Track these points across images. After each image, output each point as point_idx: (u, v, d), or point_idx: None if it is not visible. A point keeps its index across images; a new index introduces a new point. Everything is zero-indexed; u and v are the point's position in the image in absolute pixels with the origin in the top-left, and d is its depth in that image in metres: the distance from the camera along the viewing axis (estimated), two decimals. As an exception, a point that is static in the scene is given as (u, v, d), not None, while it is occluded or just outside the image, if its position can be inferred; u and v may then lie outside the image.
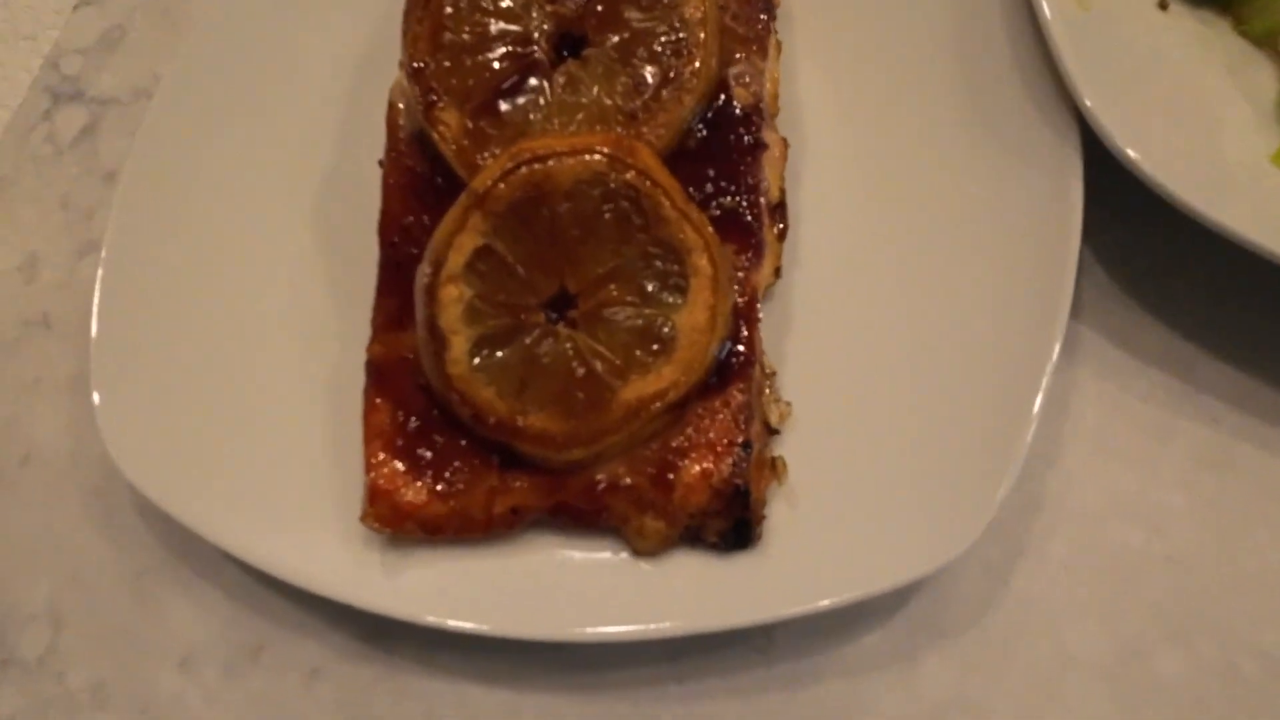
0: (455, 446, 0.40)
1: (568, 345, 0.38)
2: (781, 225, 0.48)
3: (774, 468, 0.41)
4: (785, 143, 0.50)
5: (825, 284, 0.48)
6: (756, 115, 0.43)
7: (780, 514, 0.41)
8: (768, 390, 0.44)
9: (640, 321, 0.38)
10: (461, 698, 0.44)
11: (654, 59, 0.40)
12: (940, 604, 0.43)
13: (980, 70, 0.51)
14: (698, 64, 0.40)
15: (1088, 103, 0.45)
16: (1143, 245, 0.49)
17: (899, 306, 0.45)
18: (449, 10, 0.42)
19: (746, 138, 0.43)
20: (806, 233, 0.50)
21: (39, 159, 0.61)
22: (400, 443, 0.40)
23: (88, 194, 0.59)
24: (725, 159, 0.42)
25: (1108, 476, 0.45)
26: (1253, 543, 0.43)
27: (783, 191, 0.49)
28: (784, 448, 0.43)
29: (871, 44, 0.53)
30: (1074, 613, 0.42)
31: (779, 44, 0.53)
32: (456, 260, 0.37)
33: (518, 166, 0.37)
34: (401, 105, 0.44)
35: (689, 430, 0.39)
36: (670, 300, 0.38)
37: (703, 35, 0.40)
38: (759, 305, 0.44)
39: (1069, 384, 0.47)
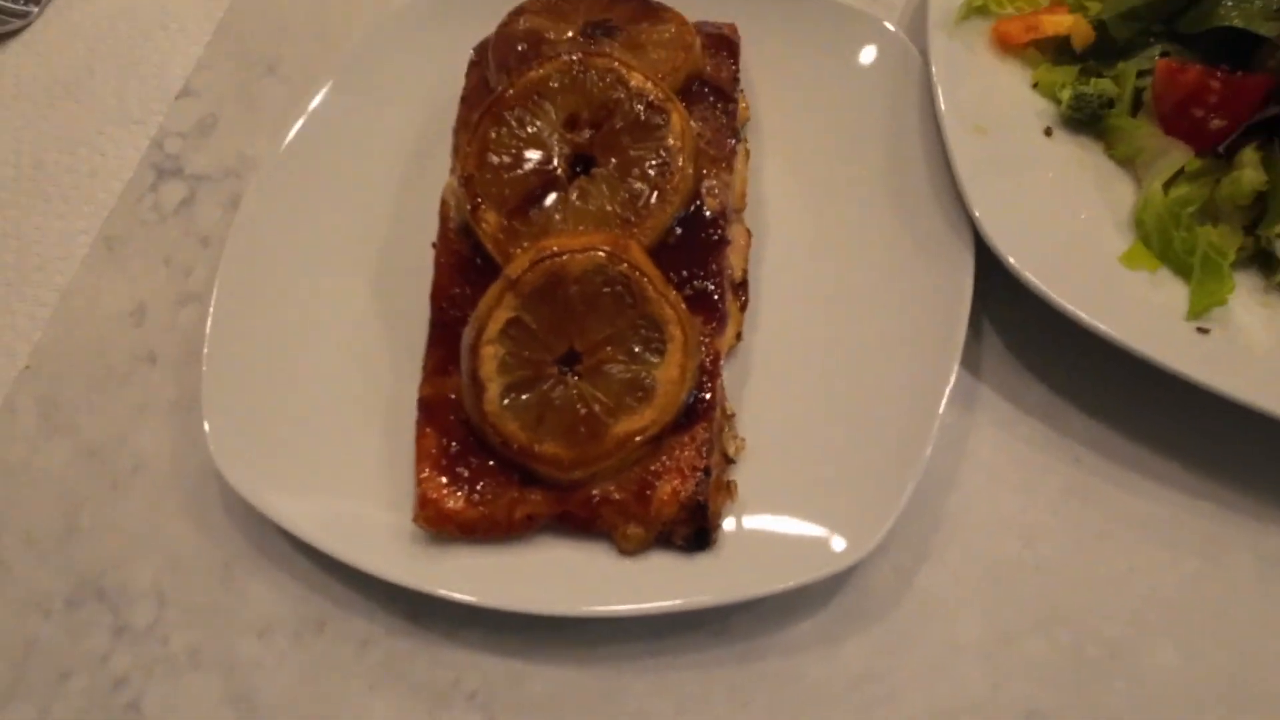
0: (485, 467, 0.52)
1: (574, 391, 0.51)
2: (743, 299, 0.61)
3: (729, 489, 0.53)
4: (749, 233, 0.64)
5: (777, 345, 0.60)
6: (722, 218, 0.57)
7: (733, 524, 0.53)
8: (727, 428, 0.56)
9: (629, 375, 0.51)
10: (481, 666, 0.55)
11: (645, 178, 0.54)
12: (860, 598, 0.55)
13: (902, 179, 0.64)
14: (677, 181, 0.54)
15: (976, 214, 0.58)
16: (1030, 321, 0.61)
17: (831, 363, 0.58)
18: (492, 136, 0.56)
19: (714, 235, 0.56)
20: (765, 304, 0.63)
21: (146, 224, 0.75)
22: (444, 463, 0.53)
23: (187, 254, 0.72)
24: (696, 252, 0.55)
25: (995, 501, 0.57)
26: (1102, 555, 0.55)
27: (745, 272, 0.62)
28: (738, 473, 0.56)
29: (821, 155, 0.67)
30: (963, 606, 0.54)
31: (748, 152, 0.67)
32: (494, 328, 0.50)
33: (541, 259, 0.50)
34: (451, 202, 0.58)
35: (664, 458, 0.52)
36: (651, 359, 0.51)
37: (681, 161, 0.54)
38: (722, 363, 0.57)
39: (969, 429, 0.60)
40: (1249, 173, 0.56)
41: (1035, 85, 0.66)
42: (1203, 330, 0.55)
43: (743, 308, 0.60)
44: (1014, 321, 0.62)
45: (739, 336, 0.60)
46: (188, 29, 0.86)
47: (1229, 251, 0.57)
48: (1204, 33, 0.61)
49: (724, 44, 0.65)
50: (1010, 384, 0.61)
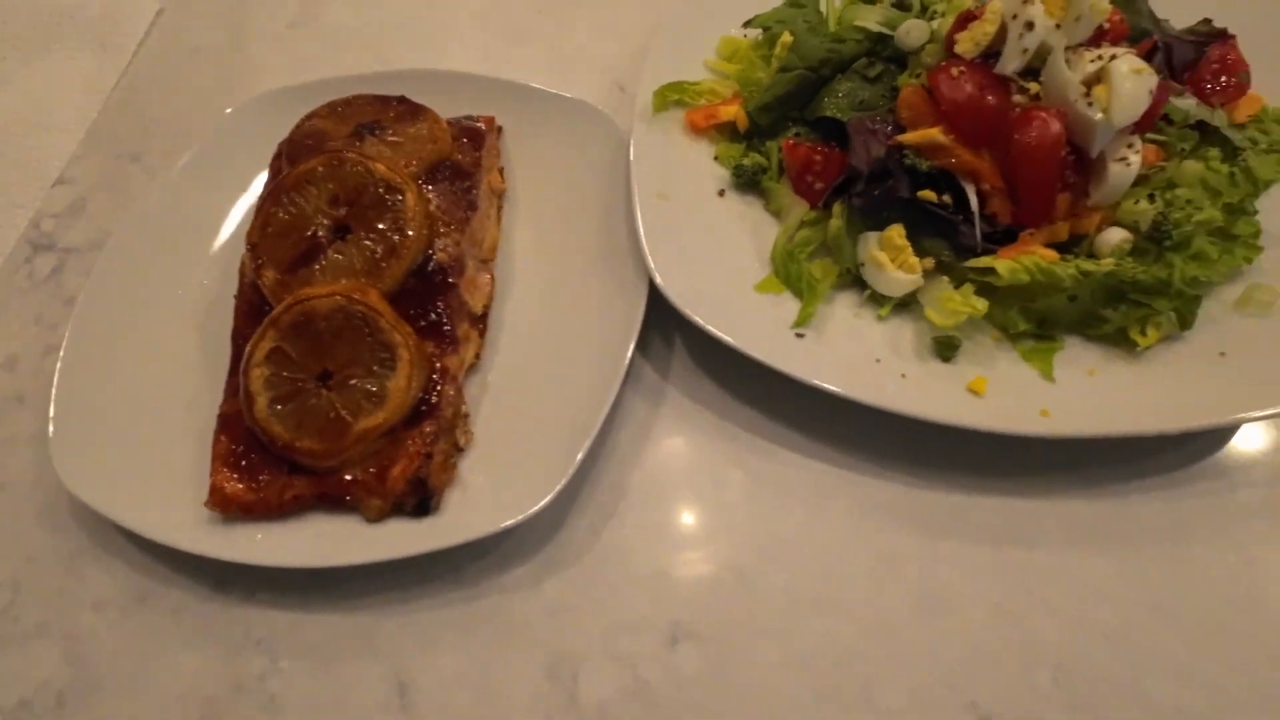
0: (263, 461, 0.69)
1: (326, 400, 0.68)
2: (482, 328, 0.79)
3: (451, 469, 0.71)
4: (493, 279, 0.83)
5: (511, 364, 0.79)
6: (452, 268, 0.75)
7: (455, 495, 0.71)
8: (461, 425, 0.74)
9: (368, 386, 0.68)
10: (268, 619, 0.70)
11: (384, 241, 0.72)
12: (560, 550, 0.72)
13: (608, 236, 0.83)
14: (409, 243, 0.72)
15: (650, 261, 0.76)
16: (707, 336, 0.80)
17: (546, 375, 0.76)
18: (273, 211, 0.74)
19: (444, 281, 0.74)
20: (506, 332, 0.81)
21: (21, 290, 0.91)
22: (231, 460, 0.69)
23: (53, 313, 0.89)
24: (430, 293, 0.74)
25: (670, 473, 0.75)
26: (744, 508, 0.73)
27: (487, 308, 0.81)
28: (469, 457, 0.73)
29: (556, 219, 0.86)
30: (635, 552, 0.72)
31: (500, 217, 0.86)
32: (259, 355, 0.68)
33: (295, 303, 0.68)
34: (247, 264, 0.76)
35: (397, 447, 0.69)
36: (385, 374, 0.68)
37: (412, 229, 0.72)
38: (461, 378, 0.75)
39: (654, 420, 0.78)
40: (835, 222, 0.77)
41: (716, 158, 0.87)
42: (800, 335, 0.74)
43: (482, 334, 0.79)
44: (696, 337, 0.81)
45: (478, 357, 0.78)
46: (66, 127, 1.04)
47: (826, 279, 0.77)
48: (818, 119, 0.83)
49: (473, 134, 0.85)
50: (689, 384, 0.79)
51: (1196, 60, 0.83)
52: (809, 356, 0.73)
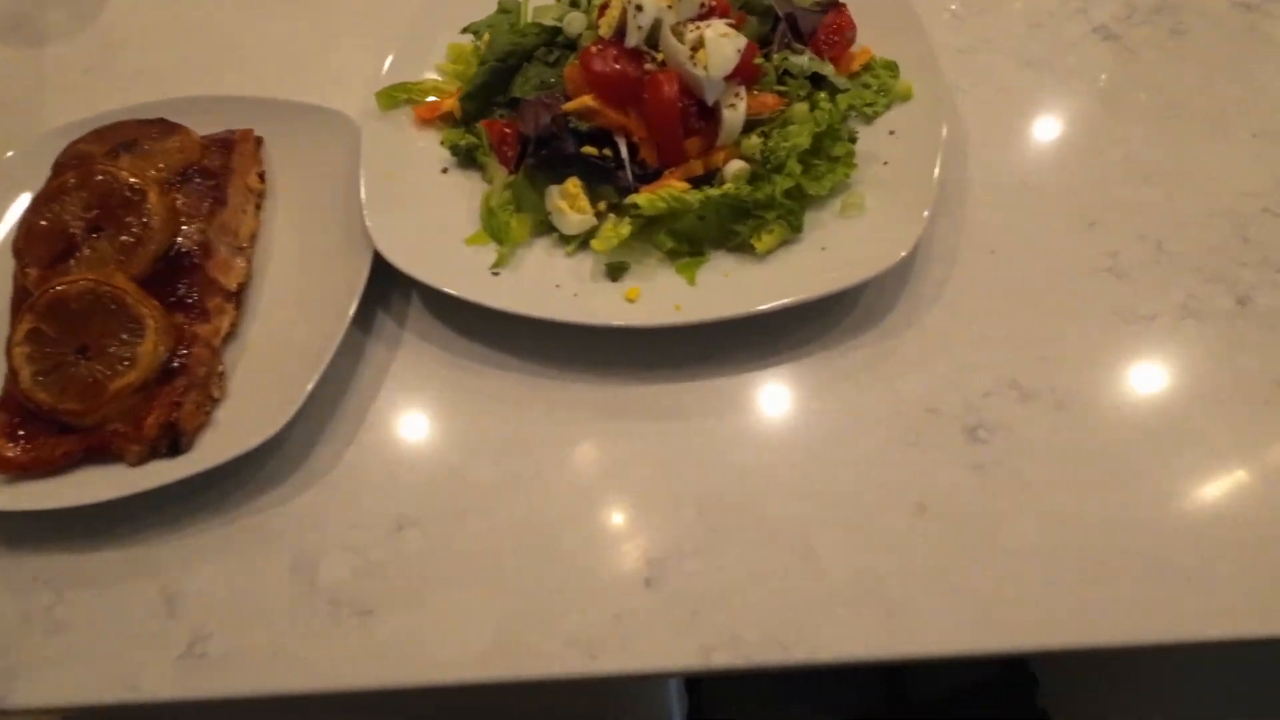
0: (37, 426, 0.81)
1: (84, 368, 0.81)
2: (237, 301, 0.93)
3: (204, 416, 0.84)
4: (249, 261, 0.97)
5: (264, 331, 0.93)
6: (199, 252, 0.89)
7: (209, 436, 0.84)
8: (215, 381, 0.87)
9: (121, 352, 0.81)
10: (54, 561, 0.82)
11: (131, 234, 0.86)
12: (306, 474, 0.85)
13: (349, 215, 0.97)
14: (154, 234, 0.86)
15: (370, 228, 0.92)
16: (430, 289, 0.95)
17: (293, 335, 0.90)
18: (32, 220, 0.87)
19: (191, 264, 0.88)
20: (264, 305, 0.95)
21: None
22: (8, 430, 0.81)
23: None
24: (178, 274, 0.87)
25: (404, 402, 0.89)
26: (471, 421, 0.88)
27: (242, 285, 0.94)
28: (224, 407, 0.86)
29: (308, 208, 1.01)
30: (371, 467, 0.85)
31: (258, 212, 1.01)
32: (18, 336, 0.80)
33: (49, 289, 0.81)
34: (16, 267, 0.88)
35: (152, 401, 0.82)
36: (135, 340, 0.82)
37: (155, 222, 0.86)
38: (215, 342, 0.89)
39: (392, 361, 0.92)
40: (521, 180, 0.94)
41: (442, 143, 1.03)
42: (495, 274, 0.90)
43: (237, 307, 0.93)
44: (424, 291, 0.96)
45: (233, 326, 0.92)
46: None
47: (522, 228, 0.93)
48: (512, 100, 0.99)
49: (225, 144, 0.99)
50: (422, 330, 0.94)
51: (817, 27, 1.03)
52: (501, 290, 0.89)
